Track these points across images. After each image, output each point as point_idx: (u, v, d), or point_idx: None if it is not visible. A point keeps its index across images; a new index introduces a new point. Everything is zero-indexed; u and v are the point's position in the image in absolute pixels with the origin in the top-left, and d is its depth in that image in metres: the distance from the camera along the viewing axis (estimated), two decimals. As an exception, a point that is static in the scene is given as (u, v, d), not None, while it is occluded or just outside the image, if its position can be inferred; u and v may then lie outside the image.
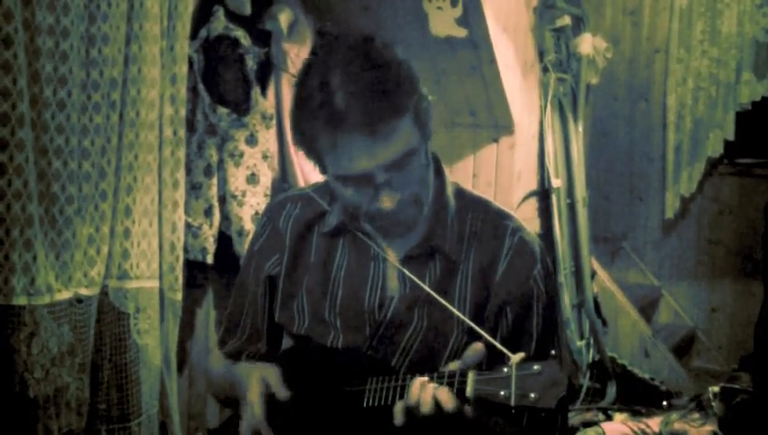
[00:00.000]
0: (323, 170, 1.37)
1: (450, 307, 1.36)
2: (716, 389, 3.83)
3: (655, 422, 3.58)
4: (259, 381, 1.40)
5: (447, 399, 1.20)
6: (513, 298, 1.41)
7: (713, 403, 3.72)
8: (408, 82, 1.29)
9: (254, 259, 1.55)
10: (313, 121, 1.26)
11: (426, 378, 1.24)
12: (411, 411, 1.24)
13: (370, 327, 1.42)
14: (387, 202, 1.31)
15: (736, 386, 3.85)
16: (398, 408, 1.25)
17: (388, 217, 1.35)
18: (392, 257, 1.44)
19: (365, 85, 1.23)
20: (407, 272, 1.40)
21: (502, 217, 1.47)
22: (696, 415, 3.69)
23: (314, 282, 1.47)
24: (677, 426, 3.55)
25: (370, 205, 1.34)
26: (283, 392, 1.38)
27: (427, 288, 1.37)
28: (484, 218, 1.46)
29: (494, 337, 1.38)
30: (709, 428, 3.55)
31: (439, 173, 1.48)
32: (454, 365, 1.26)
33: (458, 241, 1.43)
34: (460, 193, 1.49)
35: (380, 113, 1.23)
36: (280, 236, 1.51)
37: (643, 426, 3.56)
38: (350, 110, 1.22)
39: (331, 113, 1.24)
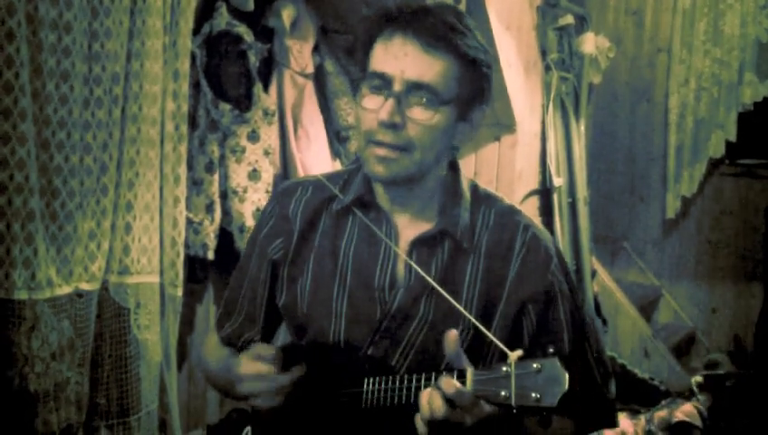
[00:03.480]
0: (363, 66, 1.40)
1: (453, 301, 1.35)
2: (699, 379, 3.82)
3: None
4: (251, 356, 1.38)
5: (438, 405, 1.18)
6: (534, 295, 1.41)
7: (699, 397, 3.72)
8: (483, 59, 1.38)
9: (257, 242, 1.55)
10: (387, 18, 1.37)
11: (431, 389, 1.22)
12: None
13: (381, 311, 1.41)
14: (386, 113, 1.33)
15: (719, 372, 3.84)
16: (419, 421, 1.23)
17: (382, 136, 1.35)
18: (402, 242, 1.44)
19: (444, 21, 1.34)
20: (412, 263, 1.40)
21: (513, 212, 1.48)
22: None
23: (322, 262, 1.47)
24: (661, 414, 3.55)
25: (375, 121, 1.35)
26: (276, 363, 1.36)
27: (432, 281, 1.37)
28: (496, 211, 1.47)
29: (520, 336, 1.39)
30: (692, 404, 3.55)
31: (455, 169, 1.49)
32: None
33: (470, 230, 1.44)
34: (474, 187, 1.51)
35: (442, 36, 1.33)
36: (287, 220, 1.51)
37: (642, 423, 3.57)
38: (420, 21, 1.33)
39: (405, 18, 1.35)
